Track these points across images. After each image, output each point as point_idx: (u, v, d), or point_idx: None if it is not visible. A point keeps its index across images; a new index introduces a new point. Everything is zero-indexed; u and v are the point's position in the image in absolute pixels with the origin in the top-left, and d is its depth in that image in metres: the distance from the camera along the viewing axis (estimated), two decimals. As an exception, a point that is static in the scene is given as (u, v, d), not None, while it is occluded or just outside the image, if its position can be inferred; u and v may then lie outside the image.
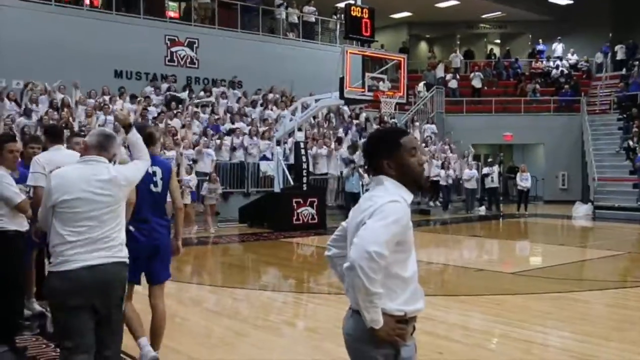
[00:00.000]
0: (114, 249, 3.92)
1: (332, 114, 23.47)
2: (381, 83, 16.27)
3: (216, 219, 16.32)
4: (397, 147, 2.86)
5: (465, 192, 22.59)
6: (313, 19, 26.19)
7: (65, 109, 16.88)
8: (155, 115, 18.65)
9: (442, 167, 22.03)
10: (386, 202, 2.72)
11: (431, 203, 22.08)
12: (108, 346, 3.97)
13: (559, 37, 32.65)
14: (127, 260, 4.05)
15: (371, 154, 2.92)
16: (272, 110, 21.89)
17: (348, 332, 2.85)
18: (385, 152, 2.86)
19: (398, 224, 2.68)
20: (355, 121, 23.92)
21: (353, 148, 20.53)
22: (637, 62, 29.57)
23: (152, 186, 5.14)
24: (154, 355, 5.15)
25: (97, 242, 3.85)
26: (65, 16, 19.85)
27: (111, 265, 3.89)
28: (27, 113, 16.40)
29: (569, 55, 32.25)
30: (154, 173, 5.15)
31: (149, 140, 5.03)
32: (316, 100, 17.32)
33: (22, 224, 5.76)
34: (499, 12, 33.34)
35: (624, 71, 29.88)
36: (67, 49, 19.00)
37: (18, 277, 5.74)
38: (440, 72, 30.33)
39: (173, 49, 22.29)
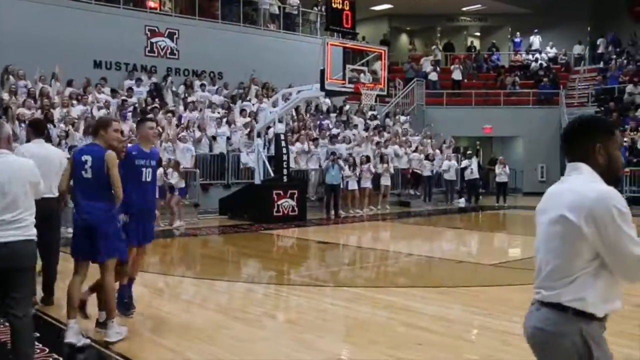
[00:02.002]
0: (24, 228, 4.54)
1: (312, 107, 23.43)
2: (362, 75, 16.30)
3: (182, 210, 15.93)
4: (611, 135, 2.77)
5: (444, 184, 22.67)
6: (294, 11, 26.09)
7: (45, 99, 16.69)
8: (137, 105, 18.56)
9: (427, 158, 22.06)
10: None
11: (411, 191, 22.15)
12: (19, 308, 4.55)
13: (536, 30, 32.88)
14: (35, 238, 4.66)
15: (582, 135, 2.79)
16: (252, 102, 21.80)
17: (538, 326, 2.72)
18: (601, 136, 2.75)
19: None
20: (332, 114, 23.90)
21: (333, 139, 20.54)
22: (614, 56, 29.89)
23: (83, 173, 5.67)
24: (74, 342, 5.60)
25: (11, 223, 4.47)
26: (44, 5, 19.54)
27: (21, 242, 4.50)
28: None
29: (548, 49, 32.51)
30: (85, 161, 5.66)
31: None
32: (297, 92, 17.30)
33: None
34: (479, 5, 33.46)
35: (601, 64, 30.17)
36: (46, 39, 18.71)
37: None
38: (427, 65, 30.34)
39: (153, 40, 22.08)
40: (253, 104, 21.53)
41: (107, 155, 5.61)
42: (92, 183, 5.64)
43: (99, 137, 5.76)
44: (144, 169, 6.44)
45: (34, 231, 4.65)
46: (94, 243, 5.64)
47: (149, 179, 6.52)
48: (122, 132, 6.06)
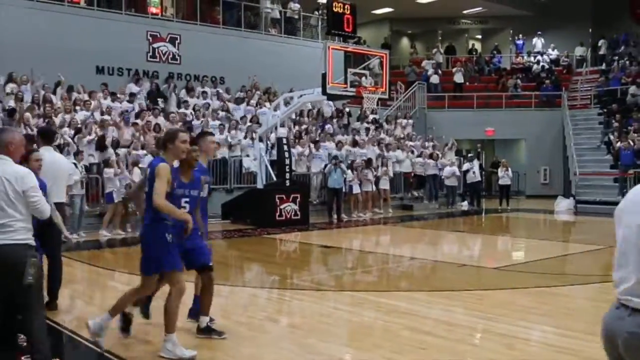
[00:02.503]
0: (11, 232, 4.49)
1: (314, 111, 23.44)
2: (363, 79, 16.28)
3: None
4: None
5: (446, 189, 22.60)
6: (295, 15, 26.12)
7: (47, 105, 16.70)
8: (138, 111, 18.57)
9: (431, 157, 22.07)
10: None
11: (415, 193, 22.11)
12: (25, 312, 4.56)
13: (539, 32, 32.88)
14: (28, 242, 4.58)
15: None
16: (254, 106, 21.81)
17: (633, 330, 2.69)
18: None
19: None
20: (334, 119, 23.89)
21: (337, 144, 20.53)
22: (616, 57, 29.84)
23: (145, 187, 5.65)
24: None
25: None
26: (46, 12, 19.58)
27: (8, 247, 4.46)
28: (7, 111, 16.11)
29: (550, 51, 32.49)
30: (147, 175, 5.65)
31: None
32: (299, 96, 17.29)
33: None
34: (480, 8, 33.48)
35: (604, 66, 30.13)
36: (48, 45, 18.75)
37: None
38: (428, 69, 30.33)
39: (155, 45, 22.09)
40: (255, 109, 21.52)
41: (158, 166, 5.44)
42: (149, 195, 5.56)
43: (168, 151, 5.63)
44: (205, 185, 6.35)
45: (25, 236, 4.60)
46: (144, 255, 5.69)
47: (205, 195, 6.41)
48: (191, 143, 5.87)
